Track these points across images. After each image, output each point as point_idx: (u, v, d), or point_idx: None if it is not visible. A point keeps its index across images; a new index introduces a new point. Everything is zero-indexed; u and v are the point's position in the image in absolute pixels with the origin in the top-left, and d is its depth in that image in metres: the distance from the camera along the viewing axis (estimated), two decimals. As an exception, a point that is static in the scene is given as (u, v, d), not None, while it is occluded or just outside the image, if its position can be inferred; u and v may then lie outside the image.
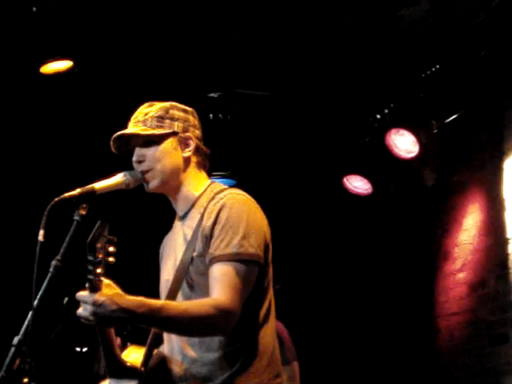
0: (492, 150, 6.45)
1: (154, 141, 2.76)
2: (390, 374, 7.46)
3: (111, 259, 2.45)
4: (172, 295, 2.67)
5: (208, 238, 2.63)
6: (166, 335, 2.74)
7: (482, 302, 6.53)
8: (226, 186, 2.82)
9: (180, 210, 2.83)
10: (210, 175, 2.91)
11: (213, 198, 2.71)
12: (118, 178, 2.74)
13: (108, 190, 2.72)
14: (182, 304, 2.57)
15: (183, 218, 2.81)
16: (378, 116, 6.72)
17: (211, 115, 6.70)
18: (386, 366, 7.53)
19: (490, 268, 6.47)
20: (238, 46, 6.13)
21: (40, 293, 2.52)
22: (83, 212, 2.61)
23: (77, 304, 2.51)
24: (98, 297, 2.37)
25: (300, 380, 5.44)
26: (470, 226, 6.75)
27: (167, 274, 2.78)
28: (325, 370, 7.67)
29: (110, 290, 2.41)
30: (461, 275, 6.81)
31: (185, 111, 2.85)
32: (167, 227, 2.97)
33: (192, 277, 2.65)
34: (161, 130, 2.77)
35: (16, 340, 2.48)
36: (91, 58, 5.92)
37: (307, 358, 7.09)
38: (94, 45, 5.83)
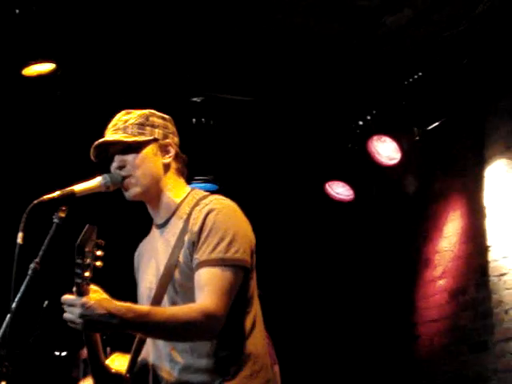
0: (473, 157, 6.49)
1: (133, 148, 2.76)
2: (370, 379, 7.48)
3: (99, 263, 2.44)
4: (157, 301, 2.66)
5: (194, 243, 2.63)
6: (151, 342, 2.72)
7: (462, 309, 6.56)
8: (208, 193, 2.82)
9: (160, 217, 2.81)
10: (192, 180, 2.90)
11: (197, 204, 2.70)
12: (98, 181, 2.73)
13: (88, 193, 2.70)
14: (169, 309, 2.56)
15: (163, 225, 2.80)
16: (361, 123, 6.75)
17: (194, 120, 6.69)
18: (366, 372, 7.54)
19: (470, 275, 6.50)
20: (222, 51, 6.13)
21: (18, 296, 2.50)
22: (62, 214, 2.60)
23: (57, 307, 2.49)
24: (86, 300, 2.36)
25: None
26: (450, 233, 6.78)
27: (149, 282, 2.76)
28: (306, 374, 7.67)
29: (97, 295, 2.40)
30: (441, 282, 6.84)
31: (163, 118, 2.86)
32: (145, 233, 2.95)
33: (178, 282, 2.64)
34: (143, 137, 2.77)
35: (-7, 343, 2.46)
36: (74, 60, 5.90)
37: (288, 362, 7.08)
38: (77, 47, 5.81)
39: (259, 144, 7.24)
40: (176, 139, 2.86)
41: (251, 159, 7.35)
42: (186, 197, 2.79)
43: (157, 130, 2.80)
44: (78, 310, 2.36)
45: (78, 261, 2.40)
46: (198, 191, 2.83)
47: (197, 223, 2.64)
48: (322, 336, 7.86)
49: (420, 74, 6.12)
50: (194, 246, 2.62)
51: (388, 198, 7.53)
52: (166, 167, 2.80)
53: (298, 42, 6.08)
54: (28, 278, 2.53)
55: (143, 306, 2.56)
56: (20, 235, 2.52)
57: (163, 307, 2.59)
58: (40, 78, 5.90)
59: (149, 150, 2.77)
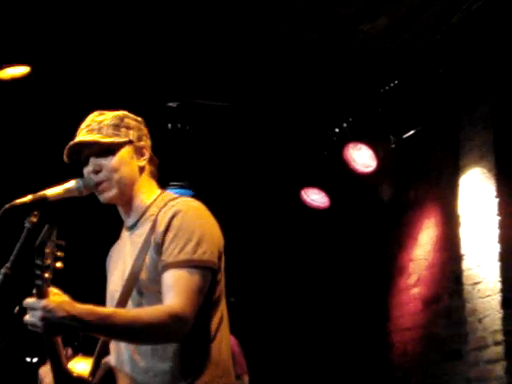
0: (448, 166, 6.51)
1: (109, 150, 2.71)
2: (343, 388, 7.47)
3: (59, 264, 2.41)
4: (121, 304, 2.63)
5: (160, 245, 2.59)
6: (113, 344, 2.68)
7: (436, 317, 6.58)
8: (178, 195, 2.79)
9: (130, 220, 2.78)
10: (167, 185, 2.88)
11: (165, 205, 2.67)
12: (71, 185, 2.69)
13: (60, 198, 2.66)
14: (133, 311, 2.52)
15: (132, 227, 2.76)
16: (337, 130, 6.75)
17: (170, 125, 6.67)
18: (340, 379, 7.53)
19: (444, 284, 6.52)
20: (198, 56, 6.12)
21: (-12, 301, 2.46)
22: (34, 219, 2.56)
23: (26, 313, 2.45)
24: (47, 303, 2.32)
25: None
26: (425, 241, 6.80)
27: (115, 285, 2.72)
28: (280, 382, 7.65)
29: (58, 298, 2.37)
30: (415, 290, 6.85)
31: (137, 120, 2.81)
32: (117, 235, 2.92)
33: (144, 284, 2.60)
34: (118, 139, 2.71)
35: (-37, 349, 2.42)
36: (48, 64, 5.87)
37: (260, 370, 7.06)
38: (52, 51, 5.78)
39: (235, 150, 7.23)
40: (149, 142, 2.81)
41: (227, 165, 7.34)
42: (156, 199, 2.75)
43: (131, 132, 2.75)
44: (38, 313, 2.32)
45: (38, 262, 2.36)
46: (167, 194, 2.80)
47: (162, 224, 2.60)
48: (295, 343, 7.85)
49: (396, 82, 6.14)
50: (160, 247, 2.59)
51: (363, 206, 7.54)
52: (141, 170, 2.76)
53: (275, 49, 6.08)
54: (-1, 283, 2.49)
55: (107, 308, 2.51)
56: (-9, 240, 2.48)
57: (128, 309, 2.55)
58: (14, 81, 5.86)
59: (124, 153, 2.72)
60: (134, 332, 2.44)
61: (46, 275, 2.37)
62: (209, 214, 2.67)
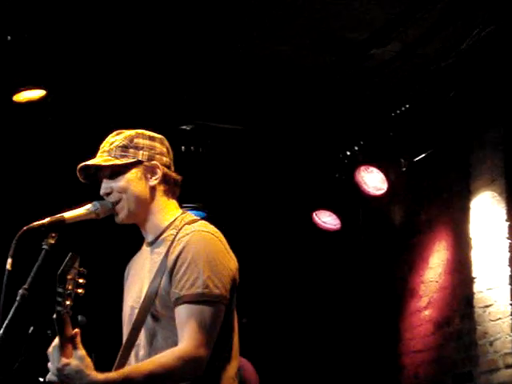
0: (459, 189, 6.53)
1: (118, 171, 2.74)
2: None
3: (80, 290, 2.45)
4: (137, 327, 2.65)
5: (171, 272, 2.62)
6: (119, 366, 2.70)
7: (447, 339, 6.57)
8: (197, 217, 2.78)
9: (149, 237, 2.81)
10: (180, 207, 2.89)
11: (181, 229, 2.69)
12: (88, 208, 2.73)
13: (77, 220, 2.70)
14: (147, 365, 2.51)
15: (152, 244, 2.78)
16: (348, 153, 6.80)
17: (183, 147, 6.72)
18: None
19: (455, 306, 6.52)
20: (212, 80, 6.18)
21: (6, 322, 2.51)
22: (52, 241, 2.60)
23: (42, 334, 2.50)
24: (63, 367, 2.41)
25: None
26: (436, 264, 6.81)
27: (132, 301, 2.75)
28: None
29: (78, 363, 2.41)
30: (426, 313, 6.85)
31: (151, 138, 2.80)
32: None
33: (157, 309, 2.63)
34: (124, 160, 2.73)
35: (-19, 368, 2.47)
36: (64, 87, 5.93)
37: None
38: (67, 74, 5.84)
39: (248, 172, 7.27)
40: (165, 159, 2.80)
41: (239, 187, 7.37)
42: (174, 221, 2.77)
43: (141, 152, 2.75)
44: (53, 368, 2.45)
45: (60, 290, 2.41)
46: (188, 215, 2.80)
47: (174, 253, 2.63)
48: (307, 365, 7.84)
49: (407, 106, 6.18)
50: (171, 275, 2.62)
51: (374, 228, 7.56)
52: (153, 190, 2.76)
53: (287, 73, 6.14)
54: (16, 304, 2.53)
55: (120, 370, 2.54)
56: (9, 261, 2.53)
57: (143, 364, 2.54)
58: (30, 104, 5.92)
59: (133, 174, 2.73)
60: (152, 383, 2.50)
61: (67, 302, 2.42)
62: (223, 244, 2.68)
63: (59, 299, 2.41)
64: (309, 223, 7.24)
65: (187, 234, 2.65)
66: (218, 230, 2.72)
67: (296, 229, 7.67)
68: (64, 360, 2.41)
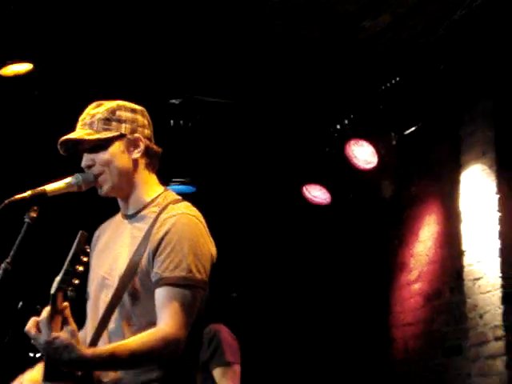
0: (449, 162, 6.52)
1: (100, 144, 2.72)
2: (344, 381, 7.50)
3: (81, 268, 2.47)
4: (113, 303, 2.62)
5: (154, 253, 2.61)
6: (98, 340, 2.68)
7: (437, 312, 6.60)
8: (179, 198, 2.77)
9: (128, 209, 2.78)
10: (169, 182, 2.88)
11: (165, 208, 2.68)
12: (69, 180, 2.71)
13: (59, 193, 2.69)
14: (130, 344, 2.51)
15: (131, 217, 2.77)
16: (338, 126, 6.77)
17: (172, 122, 6.69)
18: (340, 375, 7.56)
19: (445, 279, 6.54)
20: (200, 53, 6.14)
21: (-11, 296, 2.50)
22: (34, 214, 2.59)
23: (31, 308, 2.49)
24: (53, 340, 2.39)
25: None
26: (426, 237, 6.82)
27: (103, 271, 2.73)
28: (279, 378, 7.68)
29: (67, 337, 2.40)
30: (416, 286, 6.87)
31: (133, 111, 2.78)
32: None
33: (136, 286, 2.62)
34: (107, 134, 2.71)
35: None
36: (51, 60, 5.88)
37: (261, 365, 7.10)
38: (54, 47, 5.80)
39: (237, 146, 7.25)
40: (147, 131, 2.79)
41: (229, 162, 7.35)
42: (157, 197, 2.76)
43: (123, 125, 2.73)
44: (41, 341, 2.41)
45: (70, 268, 2.42)
46: (169, 193, 2.80)
47: (158, 232, 2.62)
48: (295, 338, 7.87)
49: (397, 78, 6.15)
50: (154, 255, 2.61)
51: (364, 202, 7.56)
52: (135, 163, 2.75)
53: (277, 46, 6.10)
54: (-1, 278, 2.52)
55: (106, 347, 2.54)
56: (-9, 235, 2.51)
57: (125, 342, 2.54)
58: (17, 78, 5.88)
59: (116, 147, 2.72)
60: (133, 364, 2.54)
61: (76, 281, 2.44)
62: (205, 229, 2.70)
63: (67, 277, 2.41)
64: (299, 197, 7.24)
65: (173, 216, 2.65)
66: (200, 214, 2.72)
67: (286, 203, 7.68)
68: (54, 333, 2.40)
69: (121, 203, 2.81)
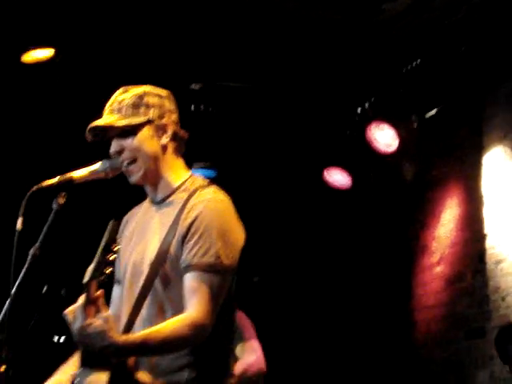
0: (471, 144, 6.50)
1: (129, 131, 2.72)
2: (366, 365, 7.51)
3: (112, 258, 2.50)
4: (146, 287, 2.64)
5: (183, 238, 2.62)
6: (132, 327, 2.70)
7: (459, 295, 6.59)
8: (206, 182, 2.77)
9: (156, 195, 2.78)
10: (190, 166, 2.88)
11: (193, 194, 2.69)
12: (97, 167, 2.73)
13: (86, 179, 2.70)
14: (161, 331, 2.54)
15: (159, 203, 2.77)
16: (359, 110, 6.75)
17: (193, 107, 6.69)
18: (362, 358, 7.57)
19: (467, 262, 6.52)
20: (220, 37, 6.13)
21: (18, 281, 2.52)
22: (61, 201, 2.61)
23: (56, 293, 2.51)
24: (85, 327, 2.42)
25: (273, 371, 5.42)
26: (448, 220, 6.80)
27: (134, 258, 2.74)
28: (301, 361, 7.70)
29: (100, 325, 2.43)
30: (438, 269, 6.87)
31: (160, 96, 2.79)
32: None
33: (167, 274, 2.64)
34: (136, 119, 2.71)
35: (-7, 328, 2.48)
36: (73, 46, 5.90)
37: (282, 350, 7.11)
38: (76, 33, 5.80)
39: (258, 131, 7.24)
40: (174, 116, 2.79)
41: (249, 146, 7.35)
42: (184, 182, 2.76)
43: (151, 110, 2.74)
44: (76, 327, 2.44)
45: (102, 258, 2.45)
46: (197, 179, 2.80)
47: (187, 218, 2.63)
48: (318, 323, 7.89)
49: (418, 61, 6.11)
50: (183, 240, 2.62)
51: (386, 185, 7.54)
52: (164, 148, 2.76)
53: (297, 29, 6.07)
54: (27, 263, 2.55)
55: (138, 334, 2.56)
56: (19, 221, 2.54)
57: (156, 329, 2.56)
58: (39, 64, 5.90)
59: (145, 133, 2.72)
60: (164, 350, 2.57)
61: (108, 270, 2.48)
62: (234, 212, 2.69)
63: (100, 266, 2.44)
64: (319, 182, 7.23)
65: (202, 202, 2.65)
66: (229, 198, 2.72)
67: (307, 187, 7.67)
68: (87, 320, 2.43)
69: (148, 189, 2.82)
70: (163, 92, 2.82)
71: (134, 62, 6.17)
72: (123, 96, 2.76)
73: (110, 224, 2.48)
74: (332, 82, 6.72)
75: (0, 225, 4.59)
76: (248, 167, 7.48)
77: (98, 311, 2.46)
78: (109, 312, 2.54)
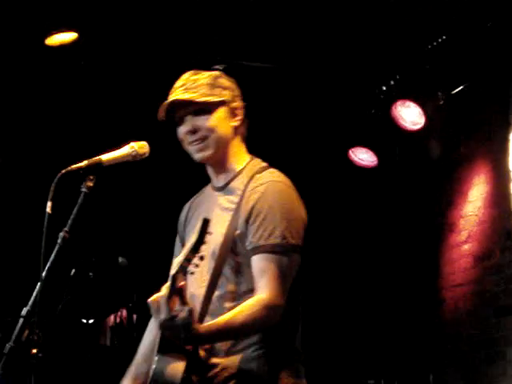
0: (498, 121, 6.44)
1: (205, 109, 2.72)
2: (395, 344, 7.51)
3: (197, 255, 2.51)
4: (215, 277, 2.66)
5: (246, 223, 2.64)
6: (205, 314, 2.71)
7: (487, 273, 6.55)
8: (265, 164, 2.80)
9: (219, 180, 2.80)
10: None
11: (252, 177, 2.71)
12: (125, 150, 2.74)
13: (115, 162, 2.71)
14: (238, 317, 2.55)
15: (222, 189, 2.79)
16: (384, 88, 6.70)
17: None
18: (391, 337, 7.57)
19: (495, 239, 6.48)
20: (243, 18, 6.10)
21: (48, 264, 2.54)
22: (90, 184, 2.63)
23: (83, 276, 2.52)
24: (174, 317, 2.44)
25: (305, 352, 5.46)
26: (475, 197, 6.75)
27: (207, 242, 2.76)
28: (330, 340, 7.72)
29: (190, 316, 2.45)
30: (466, 247, 6.83)
31: (231, 81, 2.84)
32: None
33: (235, 259, 2.66)
34: (214, 98, 2.72)
35: (25, 311, 2.50)
36: (96, 29, 5.90)
37: (313, 330, 7.10)
38: (99, 16, 5.80)
39: (282, 111, 7.22)
40: (242, 103, 2.83)
41: (274, 126, 7.33)
42: (246, 166, 2.78)
43: (226, 92, 2.77)
44: (161, 318, 2.45)
45: (190, 256, 2.46)
46: (256, 161, 2.83)
47: (250, 201, 2.65)
48: (347, 302, 7.89)
49: (444, 37, 6.05)
50: (246, 224, 2.64)
51: (412, 164, 7.50)
52: (234, 131, 2.78)
53: (319, 7, 6.03)
54: (57, 246, 2.57)
55: (219, 320, 2.57)
56: (49, 205, 2.55)
57: (233, 313, 2.57)
58: (62, 47, 5.91)
59: (220, 113, 2.74)
60: (243, 335, 2.61)
61: (197, 262, 2.50)
62: (295, 192, 2.74)
63: (186, 262, 2.45)
64: (345, 161, 7.20)
65: (261, 184, 2.67)
66: (288, 179, 2.76)
67: (332, 167, 7.65)
68: (173, 312, 2.45)
69: (212, 174, 2.83)
70: (231, 78, 2.86)
71: (156, 44, 6.16)
72: (197, 76, 2.77)
73: (202, 221, 2.45)
74: (356, 60, 6.67)
75: (30, 209, 4.62)
76: (272, 148, 7.45)
77: (182, 303, 2.47)
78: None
